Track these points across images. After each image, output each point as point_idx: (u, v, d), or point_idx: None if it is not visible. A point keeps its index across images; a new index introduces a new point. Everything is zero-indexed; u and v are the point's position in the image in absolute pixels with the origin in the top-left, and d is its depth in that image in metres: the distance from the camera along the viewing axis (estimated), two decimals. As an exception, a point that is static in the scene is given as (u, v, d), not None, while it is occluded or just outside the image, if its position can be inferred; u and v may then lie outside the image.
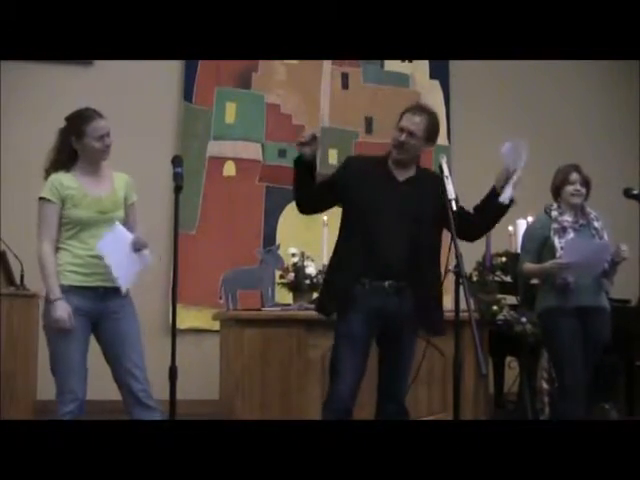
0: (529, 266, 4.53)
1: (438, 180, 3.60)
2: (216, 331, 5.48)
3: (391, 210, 3.61)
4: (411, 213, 3.62)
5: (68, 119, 3.64)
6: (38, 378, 5.23)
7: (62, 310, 3.47)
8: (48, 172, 3.62)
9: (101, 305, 3.57)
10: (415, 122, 3.66)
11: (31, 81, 6.24)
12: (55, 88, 6.31)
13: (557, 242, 4.42)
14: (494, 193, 3.68)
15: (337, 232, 3.77)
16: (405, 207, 3.62)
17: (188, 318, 6.18)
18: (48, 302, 3.53)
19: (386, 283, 3.60)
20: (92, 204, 3.57)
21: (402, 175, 3.71)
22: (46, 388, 5.34)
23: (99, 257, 3.53)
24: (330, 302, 3.72)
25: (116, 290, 3.60)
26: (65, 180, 3.57)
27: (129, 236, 3.59)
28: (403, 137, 3.65)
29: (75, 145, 3.59)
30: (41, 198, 3.57)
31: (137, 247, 3.59)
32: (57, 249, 3.56)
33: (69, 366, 3.52)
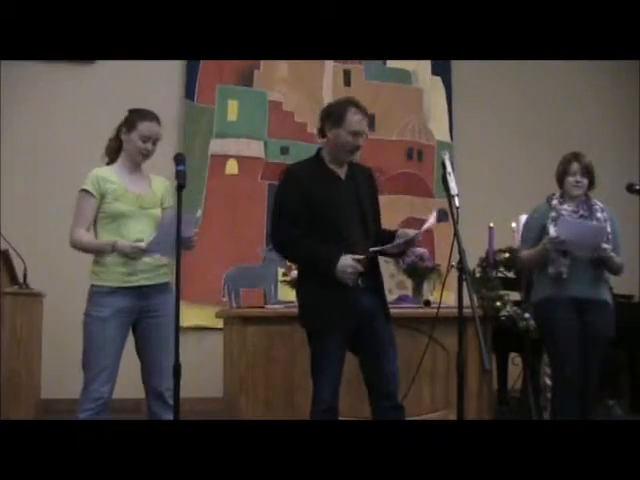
0: (525, 253, 4.47)
1: (366, 173, 3.77)
2: (219, 329, 5.48)
3: (343, 208, 3.61)
4: (358, 209, 3.67)
5: (128, 111, 3.75)
6: (42, 377, 5.24)
7: (126, 242, 3.54)
8: (107, 157, 3.77)
9: (142, 303, 3.64)
10: (363, 123, 3.67)
11: (32, 79, 6.22)
12: (56, 86, 6.31)
13: (552, 230, 4.34)
14: (391, 238, 3.68)
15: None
16: (353, 203, 3.65)
17: (191, 316, 6.16)
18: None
19: (359, 281, 3.60)
20: (133, 199, 3.66)
21: (342, 173, 3.72)
22: (50, 387, 5.38)
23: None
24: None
25: (160, 287, 3.68)
26: (106, 174, 3.67)
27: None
28: (361, 141, 3.65)
29: (122, 135, 3.70)
30: (82, 190, 3.64)
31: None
32: None
33: (99, 365, 3.55)
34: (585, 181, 4.43)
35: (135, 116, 3.70)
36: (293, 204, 3.62)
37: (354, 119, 3.63)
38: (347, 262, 3.51)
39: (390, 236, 3.70)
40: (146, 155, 3.72)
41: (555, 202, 4.45)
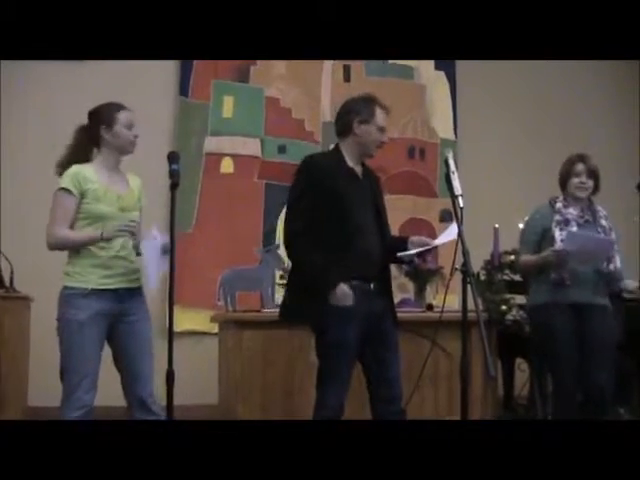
0: (525, 258, 4.39)
1: (374, 175, 3.80)
2: (214, 334, 5.43)
3: (363, 207, 3.62)
4: (375, 209, 3.68)
5: (95, 111, 3.67)
6: (29, 383, 5.17)
7: (112, 227, 3.49)
8: (62, 168, 3.63)
9: (119, 306, 3.56)
10: (386, 119, 3.72)
11: (25, 78, 6.13)
12: (49, 85, 6.22)
13: (558, 234, 4.27)
14: (402, 245, 3.65)
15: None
16: (370, 203, 3.67)
17: (185, 320, 6.06)
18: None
19: (371, 285, 3.60)
20: (114, 200, 3.59)
21: (359, 172, 3.73)
22: (37, 394, 5.26)
23: (119, 257, 3.55)
24: (313, 306, 3.53)
25: (135, 291, 3.62)
26: (87, 173, 3.58)
27: (159, 239, 3.60)
28: (386, 138, 3.72)
29: (104, 134, 3.61)
30: (61, 188, 3.55)
31: (165, 250, 3.55)
32: (77, 251, 3.54)
33: (81, 371, 3.45)
34: (590, 183, 4.36)
35: (110, 110, 3.64)
36: (310, 197, 3.56)
37: (382, 115, 3.69)
38: (345, 291, 3.46)
39: (399, 241, 3.68)
40: (134, 142, 3.66)
41: (559, 205, 4.39)
